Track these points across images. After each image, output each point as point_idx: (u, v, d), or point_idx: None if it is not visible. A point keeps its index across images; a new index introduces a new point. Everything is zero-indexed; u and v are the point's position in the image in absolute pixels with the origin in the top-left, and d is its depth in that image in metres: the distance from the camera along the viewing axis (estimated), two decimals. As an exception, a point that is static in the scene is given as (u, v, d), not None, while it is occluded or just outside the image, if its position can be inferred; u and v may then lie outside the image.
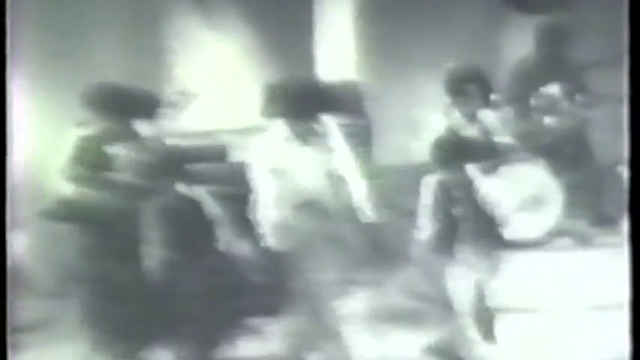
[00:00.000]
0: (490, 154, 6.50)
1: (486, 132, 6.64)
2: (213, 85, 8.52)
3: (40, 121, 7.66)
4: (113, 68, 7.81)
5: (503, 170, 6.90)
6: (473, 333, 6.12)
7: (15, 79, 6.43)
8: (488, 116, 6.67)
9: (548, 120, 8.22)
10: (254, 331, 6.67)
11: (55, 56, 7.74)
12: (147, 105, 7.03)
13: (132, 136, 6.67)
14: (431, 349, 6.29)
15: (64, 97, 7.27)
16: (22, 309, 6.25)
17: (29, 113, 7.56)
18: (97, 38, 8.14)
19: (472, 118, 6.57)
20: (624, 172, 6.04)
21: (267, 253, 6.30)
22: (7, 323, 5.82)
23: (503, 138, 6.78)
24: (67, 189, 6.59)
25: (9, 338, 5.82)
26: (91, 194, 6.53)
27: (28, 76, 7.47)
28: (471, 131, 6.52)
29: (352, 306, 6.62)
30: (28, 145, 7.46)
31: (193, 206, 6.38)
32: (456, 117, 6.55)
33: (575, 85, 8.25)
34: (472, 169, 6.19)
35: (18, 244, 6.92)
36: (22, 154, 7.12)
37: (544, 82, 8.24)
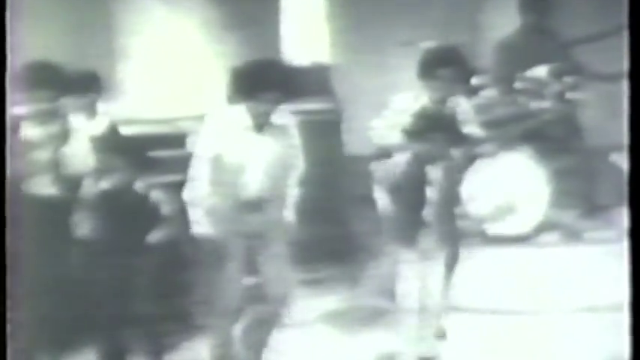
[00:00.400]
0: (465, 143, 6.03)
1: (461, 120, 6.13)
2: (170, 67, 8.13)
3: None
4: (59, 48, 7.39)
5: (484, 159, 6.52)
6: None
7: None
8: (463, 103, 6.17)
9: (534, 104, 7.81)
10: (202, 333, 6.21)
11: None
12: (82, 84, 6.53)
13: (61, 119, 6.07)
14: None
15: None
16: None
17: None
18: (42, 16, 7.68)
19: (443, 104, 6.05)
20: (620, 159, 5.59)
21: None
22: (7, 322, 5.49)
23: (480, 125, 6.28)
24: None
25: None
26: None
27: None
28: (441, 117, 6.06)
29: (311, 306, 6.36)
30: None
31: (143, 203, 5.96)
32: (426, 103, 6.03)
33: (564, 66, 7.87)
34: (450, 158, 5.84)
35: None
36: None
37: (530, 63, 7.81)
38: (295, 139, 5.88)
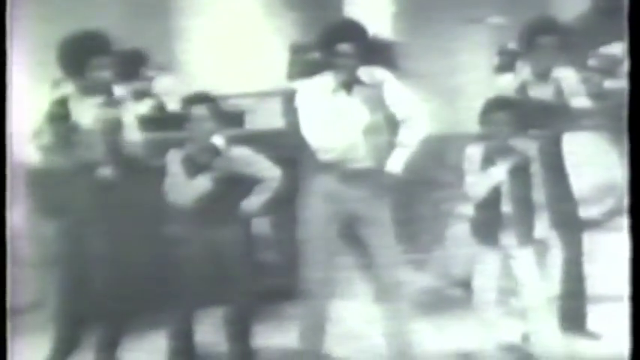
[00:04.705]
0: (573, 117, 5.79)
1: (568, 93, 5.87)
2: (229, 43, 7.95)
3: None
4: (118, 28, 7.25)
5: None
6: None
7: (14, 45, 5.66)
8: (569, 75, 5.90)
9: (609, 83, 7.45)
10: (268, 317, 6.15)
11: (55, 15, 7.09)
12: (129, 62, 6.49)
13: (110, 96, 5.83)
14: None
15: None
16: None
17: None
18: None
19: (546, 77, 5.79)
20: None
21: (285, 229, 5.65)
22: (7, 305, 5.32)
23: (589, 98, 6.03)
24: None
25: (9, 321, 5.32)
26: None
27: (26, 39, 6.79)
28: (543, 92, 5.79)
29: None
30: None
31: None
32: (528, 77, 5.78)
33: None
34: (525, 141, 5.64)
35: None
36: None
37: (604, 41, 7.47)
38: (394, 92, 5.64)
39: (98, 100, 5.66)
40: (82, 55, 5.57)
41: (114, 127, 5.66)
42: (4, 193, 5.32)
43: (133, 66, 6.71)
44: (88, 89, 5.66)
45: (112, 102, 5.71)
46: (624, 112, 7.44)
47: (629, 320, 5.13)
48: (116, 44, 5.89)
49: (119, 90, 5.82)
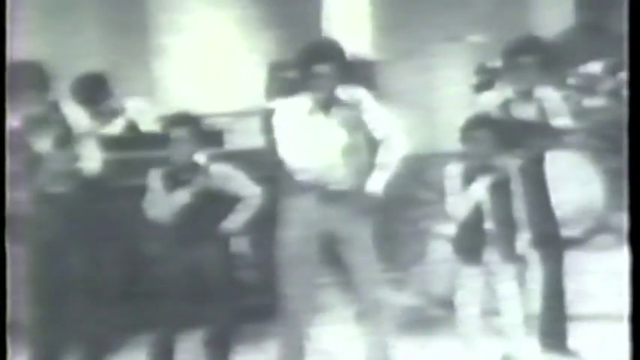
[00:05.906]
0: (556, 136, 5.79)
1: (550, 112, 5.88)
2: (207, 63, 7.93)
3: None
4: (96, 46, 7.25)
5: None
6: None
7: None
8: (551, 95, 5.91)
9: (588, 101, 7.49)
10: (246, 337, 6.02)
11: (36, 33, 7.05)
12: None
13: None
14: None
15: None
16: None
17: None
18: (78, 14, 7.56)
19: (528, 96, 5.80)
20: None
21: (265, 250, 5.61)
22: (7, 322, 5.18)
23: (571, 117, 6.03)
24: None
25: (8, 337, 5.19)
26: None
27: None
28: (525, 111, 5.79)
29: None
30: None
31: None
32: (510, 96, 5.78)
33: (619, 61, 7.48)
34: (508, 160, 5.62)
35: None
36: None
37: (584, 60, 7.50)
38: (372, 113, 5.62)
39: (53, 125, 5.62)
40: (21, 87, 5.50)
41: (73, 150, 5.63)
42: (4, 205, 5.28)
43: (94, 90, 6.68)
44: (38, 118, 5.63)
45: (68, 126, 5.68)
46: (602, 131, 7.49)
47: (628, 339, 5.10)
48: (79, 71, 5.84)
49: (76, 113, 5.77)
